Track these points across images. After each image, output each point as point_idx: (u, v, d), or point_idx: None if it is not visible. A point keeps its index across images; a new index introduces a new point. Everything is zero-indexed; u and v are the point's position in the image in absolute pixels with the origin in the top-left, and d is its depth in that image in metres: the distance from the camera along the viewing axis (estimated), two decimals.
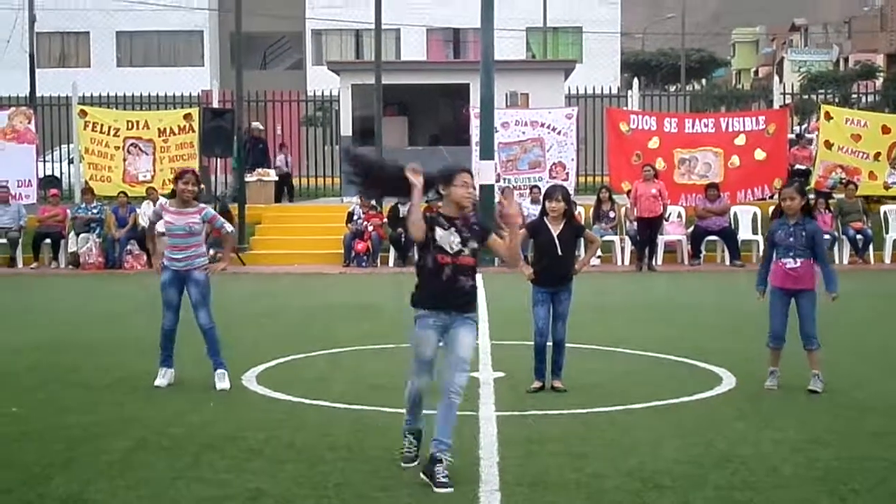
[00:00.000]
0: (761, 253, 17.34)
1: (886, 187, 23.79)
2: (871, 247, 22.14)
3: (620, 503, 6.07)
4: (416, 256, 7.14)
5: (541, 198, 23.38)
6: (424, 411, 6.90)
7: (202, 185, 20.05)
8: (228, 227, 9.83)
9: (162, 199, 21.84)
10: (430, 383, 6.76)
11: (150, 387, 9.37)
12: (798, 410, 8.46)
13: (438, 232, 6.62)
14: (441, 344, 6.66)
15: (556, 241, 9.21)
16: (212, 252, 22.00)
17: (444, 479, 6.30)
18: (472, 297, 6.72)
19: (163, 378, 9.53)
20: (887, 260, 22.23)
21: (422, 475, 6.43)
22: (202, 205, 9.65)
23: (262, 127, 27.07)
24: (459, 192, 6.65)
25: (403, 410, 6.99)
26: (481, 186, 22.27)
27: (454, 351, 6.56)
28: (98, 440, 7.57)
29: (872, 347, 11.72)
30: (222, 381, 9.45)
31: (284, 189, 28.46)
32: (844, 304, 12.50)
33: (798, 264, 9.11)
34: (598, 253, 21.34)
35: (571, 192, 19.63)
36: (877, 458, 6.99)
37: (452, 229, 6.64)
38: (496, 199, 22.26)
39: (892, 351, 11.50)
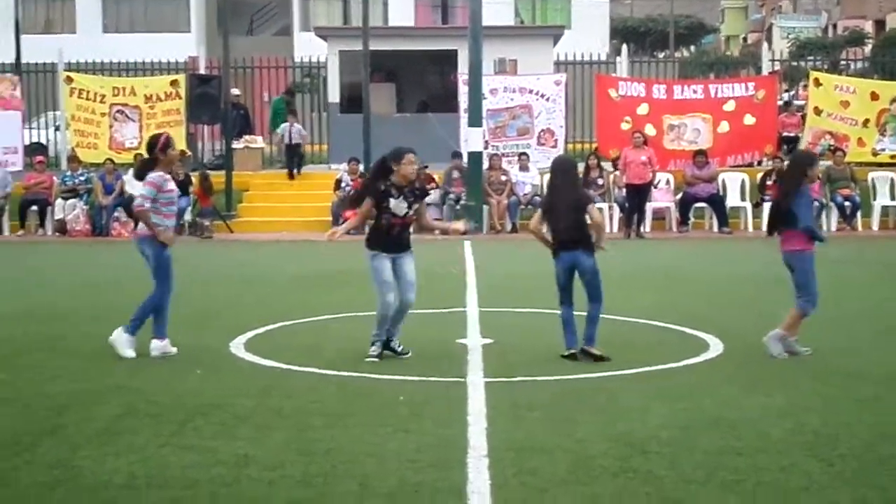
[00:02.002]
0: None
1: (875, 154, 23.78)
2: (858, 213, 22.16)
3: (608, 468, 6.08)
4: (374, 216, 9.19)
5: (529, 165, 23.33)
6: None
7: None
8: None
9: (130, 173, 21.48)
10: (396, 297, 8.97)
11: (137, 355, 9.32)
12: (785, 376, 8.48)
13: (392, 201, 8.93)
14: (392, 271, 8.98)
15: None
16: (199, 220, 21.95)
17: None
18: (409, 241, 9.18)
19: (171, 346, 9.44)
20: (875, 227, 22.25)
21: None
22: None
23: (238, 92, 26.62)
24: (408, 170, 8.98)
25: (375, 329, 9.15)
26: (470, 153, 22.24)
27: (404, 277, 9.03)
28: (85, 407, 7.56)
29: (860, 314, 11.73)
30: (168, 348, 9.39)
31: (295, 161, 25.27)
32: (832, 271, 12.53)
33: None
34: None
35: None
36: (864, 423, 7.01)
37: (402, 197, 8.97)
38: (484, 167, 22.24)
39: (880, 318, 11.52)
